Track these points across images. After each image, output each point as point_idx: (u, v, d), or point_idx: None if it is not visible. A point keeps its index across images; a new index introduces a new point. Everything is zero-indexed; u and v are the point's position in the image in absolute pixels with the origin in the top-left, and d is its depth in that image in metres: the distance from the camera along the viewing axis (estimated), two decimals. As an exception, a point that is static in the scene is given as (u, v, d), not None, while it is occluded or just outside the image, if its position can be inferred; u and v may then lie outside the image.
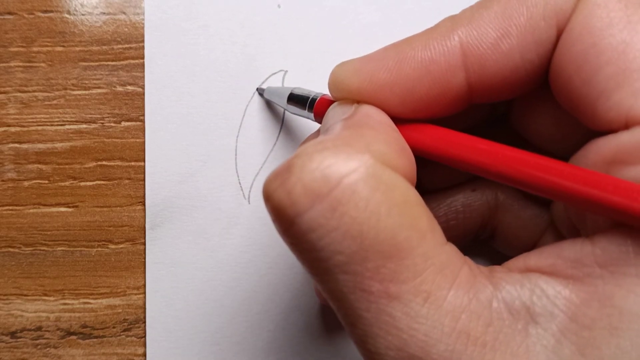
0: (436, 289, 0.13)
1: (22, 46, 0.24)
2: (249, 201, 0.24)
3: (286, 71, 0.24)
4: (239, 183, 0.24)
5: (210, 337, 0.23)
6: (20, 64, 0.24)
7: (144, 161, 0.24)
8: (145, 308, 0.23)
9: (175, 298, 0.23)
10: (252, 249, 0.24)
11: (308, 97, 0.20)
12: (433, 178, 0.21)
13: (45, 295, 0.24)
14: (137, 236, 0.24)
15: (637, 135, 0.13)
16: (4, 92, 0.24)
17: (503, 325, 0.13)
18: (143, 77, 0.24)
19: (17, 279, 0.24)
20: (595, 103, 0.14)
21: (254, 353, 0.23)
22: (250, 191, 0.24)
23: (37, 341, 0.23)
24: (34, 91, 0.24)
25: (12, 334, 0.23)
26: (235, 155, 0.24)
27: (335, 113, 0.17)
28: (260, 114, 0.24)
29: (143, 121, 0.24)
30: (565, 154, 0.17)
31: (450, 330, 0.13)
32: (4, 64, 0.24)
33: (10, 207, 0.24)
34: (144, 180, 0.24)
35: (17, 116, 0.24)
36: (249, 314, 0.23)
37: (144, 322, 0.23)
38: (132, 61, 0.24)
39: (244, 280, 0.24)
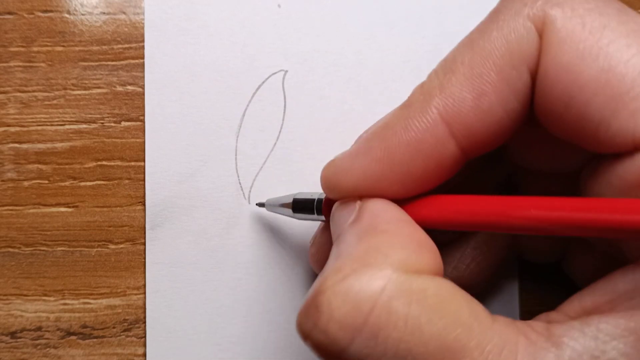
0: None
1: (22, 46, 0.24)
2: (249, 201, 0.24)
3: (286, 71, 0.24)
4: (239, 183, 0.24)
5: (210, 337, 0.23)
6: (20, 64, 0.24)
7: (144, 161, 0.24)
8: (145, 308, 0.23)
9: (175, 298, 0.23)
10: (252, 249, 0.24)
11: (313, 201, 0.19)
12: (446, 231, 0.21)
13: (45, 295, 0.24)
14: (137, 236, 0.24)
15: None
16: (4, 92, 0.24)
17: None
18: (143, 77, 0.24)
19: (17, 279, 0.24)
20: (596, 133, 0.14)
21: (253, 353, 0.23)
22: (250, 191, 0.24)
23: (37, 341, 0.23)
24: (34, 91, 0.24)
25: (12, 334, 0.23)
26: (235, 155, 0.24)
27: (340, 215, 0.17)
28: (260, 114, 0.24)
29: (143, 121, 0.24)
30: (567, 172, 0.17)
31: None
32: (4, 64, 0.24)
33: (10, 207, 0.24)
34: (144, 180, 0.24)
35: (17, 116, 0.24)
36: (249, 314, 0.23)
37: (144, 322, 0.23)
38: (132, 61, 0.24)
39: (244, 280, 0.24)
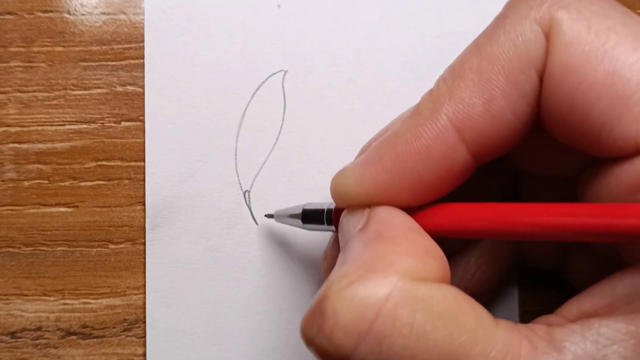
0: None
1: (22, 46, 0.24)
2: (248, 201, 0.24)
3: (286, 71, 0.24)
4: (239, 183, 0.24)
5: (210, 337, 0.23)
6: (20, 64, 0.24)
7: (144, 161, 0.24)
8: (145, 308, 0.23)
9: (175, 298, 0.23)
10: (252, 249, 0.24)
11: (323, 211, 0.19)
12: (452, 241, 0.20)
13: (45, 295, 0.24)
14: (137, 236, 0.24)
15: None
16: (4, 92, 0.24)
17: None
18: (143, 77, 0.24)
19: (17, 279, 0.24)
20: (599, 136, 0.14)
21: (254, 353, 0.23)
22: (250, 191, 0.24)
23: (37, 341, 0.23)
24: (34, 91, 0.24)
25: (12, 334, 0.23)
26: (235, 155, 0.24)
27: (348, 223, 0.17)
28: (260, 114, 0.24)
29: (143, 121, 0.24)
30: (568, 176, 0.17)
31: None
32: (4, 64, 0.24)
33: (10, 207, 0.24)
34: (144, 180, 0.24)
35: (17, 116, 0.24)
36: (249, 314, 0.23)
37: (144, 322, 0.23)
38: (132, 61, 0.24)
39: (244, 280, 0.24)
